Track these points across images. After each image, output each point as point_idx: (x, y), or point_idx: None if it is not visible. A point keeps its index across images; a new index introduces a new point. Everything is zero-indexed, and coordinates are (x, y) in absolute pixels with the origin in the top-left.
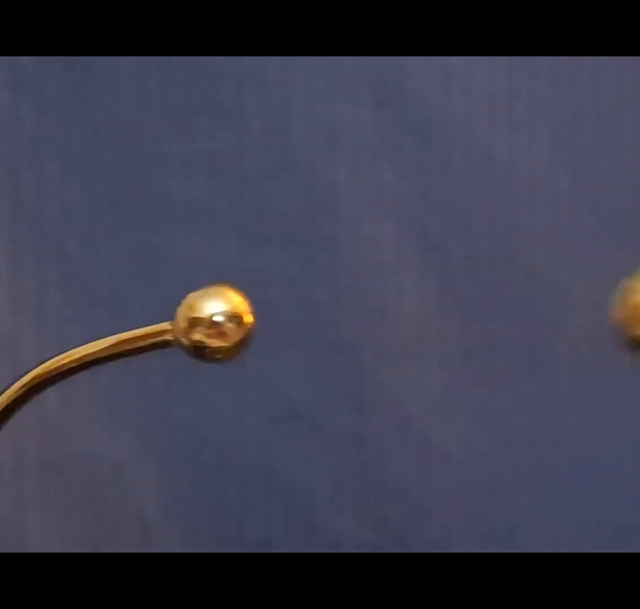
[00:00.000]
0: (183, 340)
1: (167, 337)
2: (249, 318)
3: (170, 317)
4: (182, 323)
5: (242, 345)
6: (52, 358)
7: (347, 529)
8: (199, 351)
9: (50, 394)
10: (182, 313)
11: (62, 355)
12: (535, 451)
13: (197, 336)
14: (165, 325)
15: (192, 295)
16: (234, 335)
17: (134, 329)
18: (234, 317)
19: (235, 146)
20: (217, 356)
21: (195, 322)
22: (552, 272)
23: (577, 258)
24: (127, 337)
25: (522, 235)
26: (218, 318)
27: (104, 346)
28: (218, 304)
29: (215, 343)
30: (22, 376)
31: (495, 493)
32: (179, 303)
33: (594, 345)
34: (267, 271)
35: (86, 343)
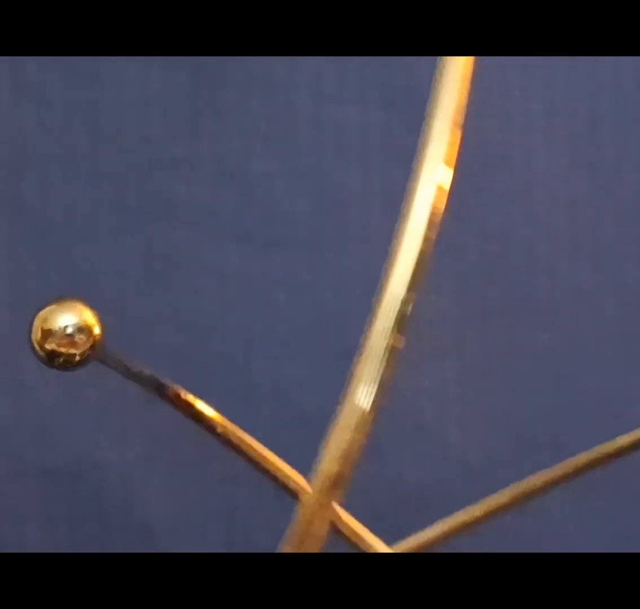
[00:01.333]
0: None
1: None
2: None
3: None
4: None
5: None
6: None
7: None
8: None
9: (54, 399)
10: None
11: None
12: (558, 458)
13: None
14: None
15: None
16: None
17: (139, 336)
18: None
19: (241, 148)
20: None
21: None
22: (574, 274)
23: (599, 260)
24: None
25: (541, 238)
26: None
27: None
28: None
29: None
30: None
31: None
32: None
33: (619, 349)
34: (275, 275)
35: None
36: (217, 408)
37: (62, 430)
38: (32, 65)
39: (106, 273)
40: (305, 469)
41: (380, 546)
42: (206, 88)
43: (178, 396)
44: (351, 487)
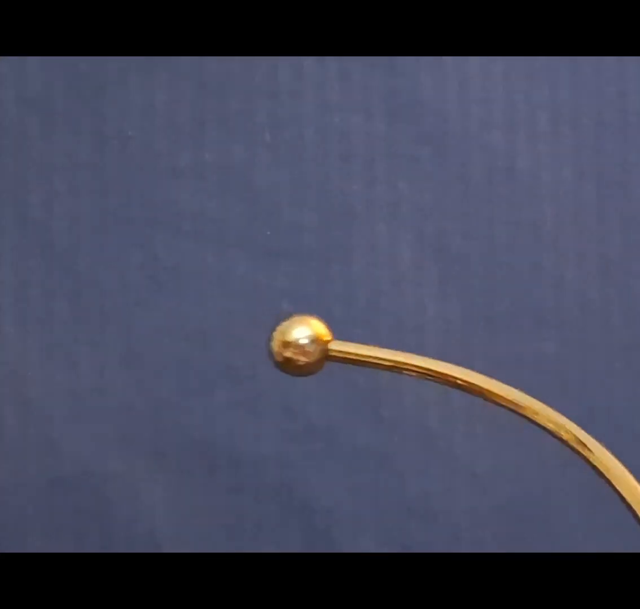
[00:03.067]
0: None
1: None
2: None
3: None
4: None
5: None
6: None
7: (368, 550)
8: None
9: (59, 411)
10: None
11: None
12: (564, 469)
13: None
14: None
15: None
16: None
17: (143, 345)
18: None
19: (246, 158)
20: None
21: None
22: (580, 284)
23: (605, 270)
24: None
25: (547, 247)
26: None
27: None
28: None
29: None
30: None
31: (523, 513)
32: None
33: (624, 359)
34: (280, 285)
35: (94, 359)
36: (222, 418)
37: (67, 441)
38: (36, 77)
39: (111, 282)
40: (314, 482)
41: None
42: (211, 98)
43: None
44: (356, 499)
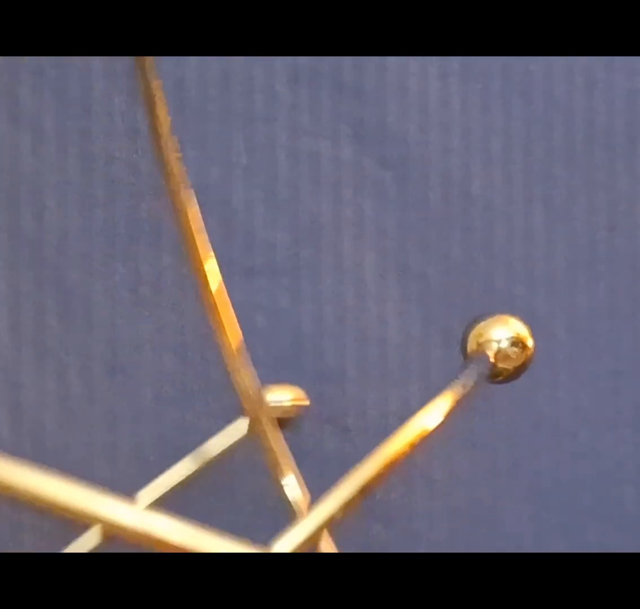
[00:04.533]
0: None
1: None
2: (530, 343)
3: (159, 342)
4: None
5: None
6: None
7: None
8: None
9: (51, 418)
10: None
11: None
12: (516, 477)
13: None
14: None
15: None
16: (518, 359)
17: (129, 356)
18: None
19: (222, 179)
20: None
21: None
22: (530, 302)
23: (552, 289)
24: None
25: (499, 267)
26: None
27: None
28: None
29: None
30: None
31: (478, 517)
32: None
33: (569, 370)
34: (254, 300)
35: (82, 369)
36: (202, 427)
37: (58, 448)
38: (27, 96)
39: (97, 296)
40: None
41: None
42: (189, 122)
43: None
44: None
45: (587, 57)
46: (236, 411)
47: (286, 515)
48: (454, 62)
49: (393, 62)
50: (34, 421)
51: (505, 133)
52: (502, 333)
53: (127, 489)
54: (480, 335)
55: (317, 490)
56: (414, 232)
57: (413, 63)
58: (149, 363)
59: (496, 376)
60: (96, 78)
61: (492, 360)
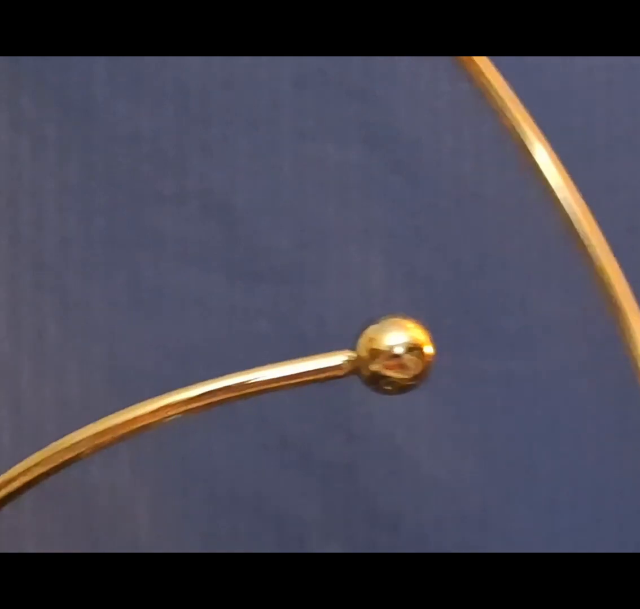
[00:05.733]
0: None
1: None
2: (429, 350)
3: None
4: (362, 353)
5: (421, 376)
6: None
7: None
8: (376, 381)
9: (47, 421)
10: (363, 344)
11: (219, 379)
12: (525, 480)
13: (376, 367)
14: (344, 354)
15: (372, 327)
16: (415, 367)
17: (128, 361)
18: (414, 349)
19: (226, 184)
20: (389, 388)
21: (375, 353)
22: (544, 305)
23: (569, 292)
24: (300, 367)
25: (512, 270)
26: (398, 350)
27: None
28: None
29: (394, 374)
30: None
31: (486, 521)
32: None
33: (583, 377)
34: (257, 305)
35: (82, 375)
36: (200, 432)
37: None
38: (28, 103)
39: (97, 302)
40: (286, 492)
41: None
42: (193, 126)
43: None
44: (327, 508)
45: (606, 57)
46: (236, 417)
47: None
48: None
49: (402, 64)
50: (34, 425)
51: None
52: (396, 338)
53: (124, 494)
54: (372, 340)
55: (320, 496)
56: (423, 236)
57: (423, 64)
58: (149, 369)
59: (386, 385)
60: (97, 84)
61: (378, 368)
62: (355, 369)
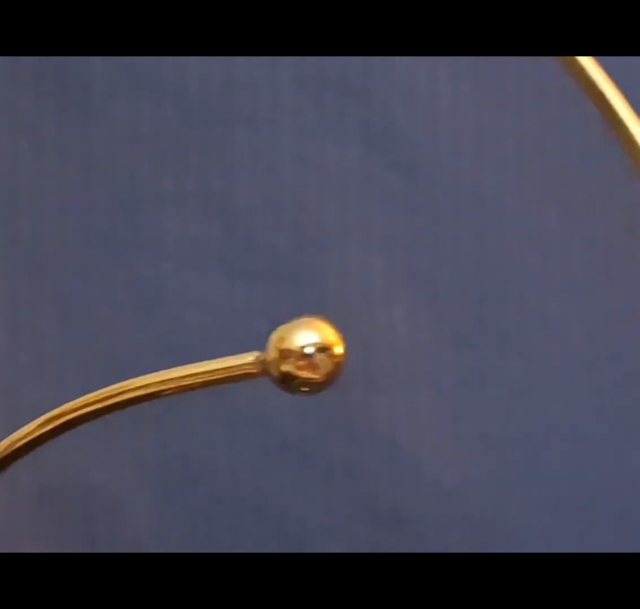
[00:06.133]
0: (273, 370)
1: (253, 369)
2: (339, 350)
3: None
4: (272, 353)
5: (332, 376)
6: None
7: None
8: (287, 382)
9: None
10: (273, 344)
11: (130, 381)
12: (526, 480)
13: (287, 367)
14: (253, 355)
15: (283, 325)
16: (325, 366)
17: (128, 362)
18: (325, 349)
19: (225, 184)
20: (304, 388)
21: (286, 353)
22: (544, 305)
23: (568, 291)
24: (210, 367)
25: (512, 270)
26: (308, 350)
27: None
28: (309, 335)
29: (305, 374)
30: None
31: (487, 521)
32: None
33: (584, 375)
34: (257, 305)
35: (81, 377)
36: (201, 432)
37: (55, 454)
38: (27, 103)
39: (96, 302)
40: (288, 493)
41: None
42: (192, 126)
43: None
44: (329, 509)
45: (604, 57)
46: (236, 417)
47: None
48: (465, 62)
49: (401, 63)
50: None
51: (519, 134)
52: (306, 338)
53: (124, 495)
54: (282, 339)
55: (320, 494)
56: (424, 235)
57: (422, 64)
58: (149, 368)
59: (298, 385)
60: (96, 84)
61: (289, 368)
62: (265, 369)
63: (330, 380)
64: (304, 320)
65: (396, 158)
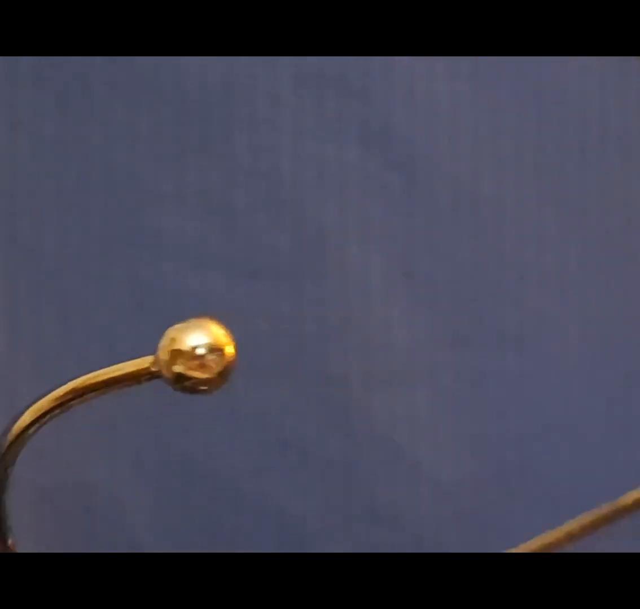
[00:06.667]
0: (165, 372)
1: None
2: (230, 350)
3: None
4: (163, 355)
5: (223, 376)
6: (45, 394)
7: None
8: (180, 382)
9: (47, 423)
10: (164, 345)
11: (55, 392)
12: (524, 479)
13: (179, 368)
14: (149, 358)
15: (174, 327)
16: (216, 366)
17: (129, 360)
18: (216, 349)
19: (225, 184)
20: (200, 387)
21: (177, 354)
22: (541, 304)
23: (564, 291)
24: (113, 372)
25: (509, 269)
26: (200, 351)
27: (93, 381)
28: (200, 336)
29: (197, 374)
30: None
31: (485, 520)
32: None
33: (580, 374)
34: (257, 304)
35: (80, 374)
36: (199, 433)
37: (55, 452)
38: (26, 103)
39: (96, 302)
40: (287, 491)
41: None
42: (191, 126)
43: None
44: (327, 507)
45: (600, 57)
46: (236, 416)
47: None
48: (463, 63)
49: (400, 63)
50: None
51: (516, 134)
52: (197, 339)
53: (124, 493)
54: (174, 340)
55: (319, 493)
56: (421, 234)
57: (420, 64)
58: None
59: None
60: (95, 83)
61: (181, 369)
62: (158, 371)
63: (221, 380)
64: (194, 321)
65: (395, 158)
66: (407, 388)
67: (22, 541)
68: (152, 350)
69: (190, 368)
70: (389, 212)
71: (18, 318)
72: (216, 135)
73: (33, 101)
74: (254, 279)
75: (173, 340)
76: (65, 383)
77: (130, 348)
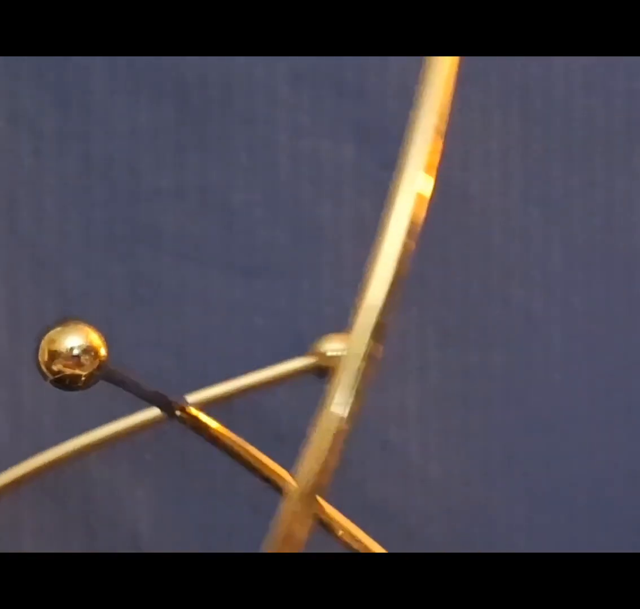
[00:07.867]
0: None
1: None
2: (102, 352)
3: (158, 342)
4: (43, 356)
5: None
6: None
7: (330, 550)
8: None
9: (48, 419)
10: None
11: None
12: (513, 474)
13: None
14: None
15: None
16: (91, 365)
17: (128, 354)
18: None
19: (223, 180)
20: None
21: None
22: (526, 301)
23: (548, 289)
24: None
25: (496, 267)
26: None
27: None
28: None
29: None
30: None
31: (473, 513)
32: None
33: (564, 370)
34: (254, 300)
35: None
36: None
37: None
38: (27, 98)
39: (96, 297)
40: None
41: (365, 538)
42: (191, 123)
43: (183, 409)
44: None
45: (586, 58)
46: (233, 411)
47: None
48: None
49: (394, 63)
50: (33, 422)
51: (504, 133)
52: (73, 341)
53: (123, 489)
54: (53, 341)
55: None
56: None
57: (414, 63)
58: (147, 363)
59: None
60: (95, 80)
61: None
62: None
63: (95, 377)
64: (71, 325)
65: (389, 156)
66: (397, 384)
67: (21, 541)
68: (151, 345)
69: (66, 367)
70: (382, 208)
71: (20, 312)
72: (214, 132)
73: (33, 96)
74: (252, 275)
75: (52, 341)
76: None
77: (130, 343)
